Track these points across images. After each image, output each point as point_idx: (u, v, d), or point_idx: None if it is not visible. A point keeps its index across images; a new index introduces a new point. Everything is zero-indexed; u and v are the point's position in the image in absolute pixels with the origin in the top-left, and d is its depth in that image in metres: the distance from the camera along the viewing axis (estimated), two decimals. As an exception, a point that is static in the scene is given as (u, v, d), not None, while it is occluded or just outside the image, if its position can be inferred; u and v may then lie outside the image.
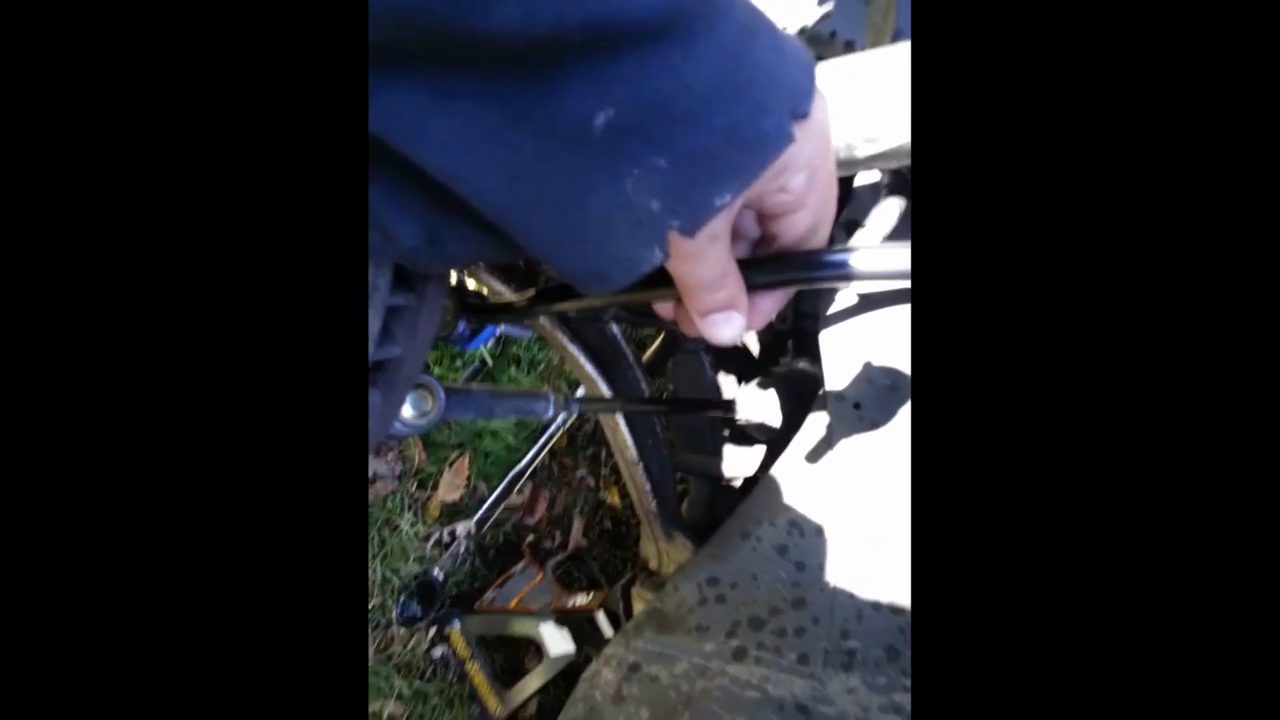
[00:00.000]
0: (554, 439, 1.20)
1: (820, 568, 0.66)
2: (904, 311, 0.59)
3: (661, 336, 0.98)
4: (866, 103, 0.39)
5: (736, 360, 1.05)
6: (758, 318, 0.28)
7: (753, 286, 0.27)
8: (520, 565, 1.07)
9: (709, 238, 0.22)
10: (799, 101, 0.21)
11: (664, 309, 0.30)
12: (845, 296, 0.61)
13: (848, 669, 0.56)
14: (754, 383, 0.93)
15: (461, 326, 0.40)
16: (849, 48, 0.59)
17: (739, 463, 0.96)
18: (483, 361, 1.17)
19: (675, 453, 1.00)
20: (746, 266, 0.27)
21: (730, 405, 0.84)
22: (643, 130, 0.19)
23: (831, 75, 0.41)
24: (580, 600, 0.94)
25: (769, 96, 0.20)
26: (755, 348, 1.06)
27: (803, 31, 0.59)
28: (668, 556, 0.87)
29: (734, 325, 0.27)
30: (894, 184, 0.47)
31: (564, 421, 1.13)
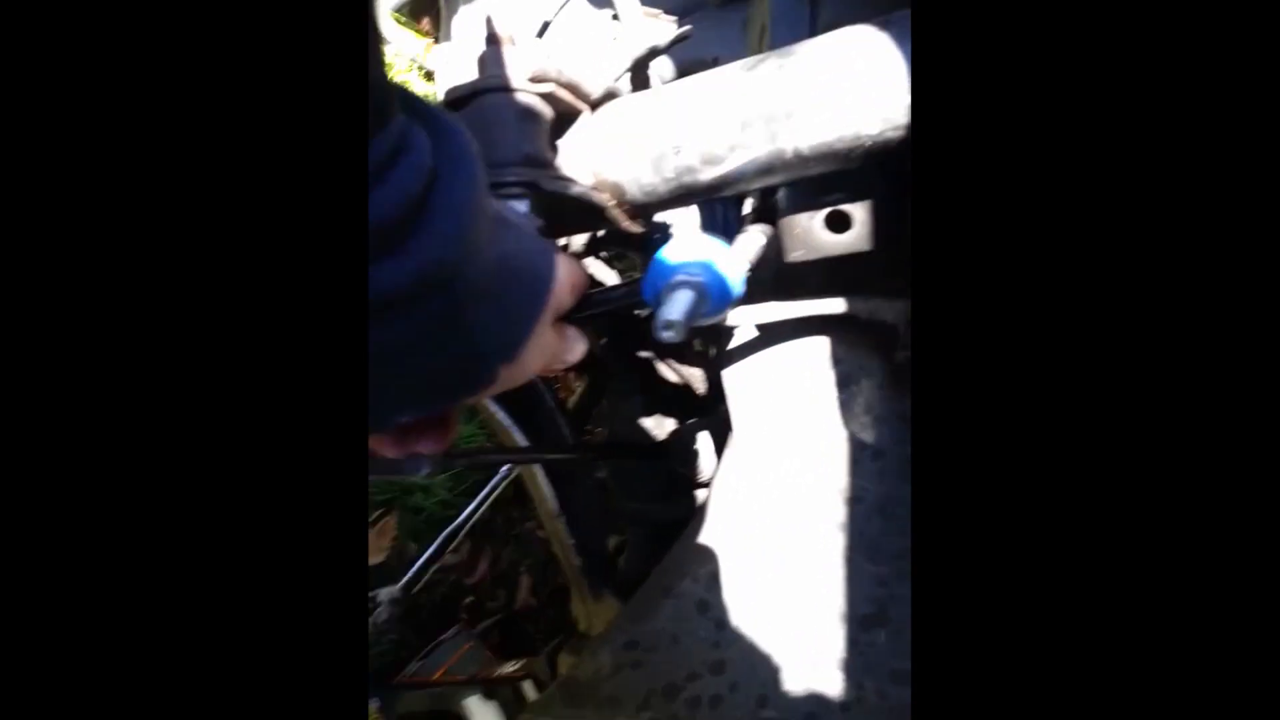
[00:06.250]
0: (496, 491, 1.14)
1: (741, 625, 0.60)
2: (807, 345, 0.55)
3: (587, 381, 0.94)
4: (707, 121, 0.37)
5: (678, 402, 1.00)
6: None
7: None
8: (451, 631, 1.00)
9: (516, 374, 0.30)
10: (506, 352, 0.29)
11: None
12: (745, 331, 0.58)
13: (762, 744, 0.50)
14: (690, 423, 0.89)
15: None
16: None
17: (678, 507, 0.90)
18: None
19: (612, 499, 0.94)
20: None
21: (653, 450, 0.79)
22: (402, 355, 0.25)
23: (665, 98, 0.39)
24: (510, 668, 0.87)
25: (480, 348, 0.27)
26: (701, 386, 1.01)
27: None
28: (596, 618, 0.80)
29: (575, 354, 0.35)
30: (761, 210, 0.44)
31: (500, 479, 1.08)
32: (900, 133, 0.32)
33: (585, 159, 0.41)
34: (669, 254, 0.34)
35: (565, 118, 0.41)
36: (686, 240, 0.35)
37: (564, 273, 0.33)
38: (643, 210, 0.42)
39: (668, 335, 0.28)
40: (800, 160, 0.35)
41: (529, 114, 0.38)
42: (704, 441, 0.88)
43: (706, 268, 0.34)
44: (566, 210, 0.40)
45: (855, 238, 0.39)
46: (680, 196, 0.40)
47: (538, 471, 0.79)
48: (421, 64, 1.64)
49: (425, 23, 1.41)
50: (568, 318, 0.37)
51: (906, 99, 0.32)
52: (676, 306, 0.30)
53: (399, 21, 1.51)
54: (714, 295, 0.33)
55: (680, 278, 0.32)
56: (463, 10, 0.85)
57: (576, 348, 0.36)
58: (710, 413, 0.89)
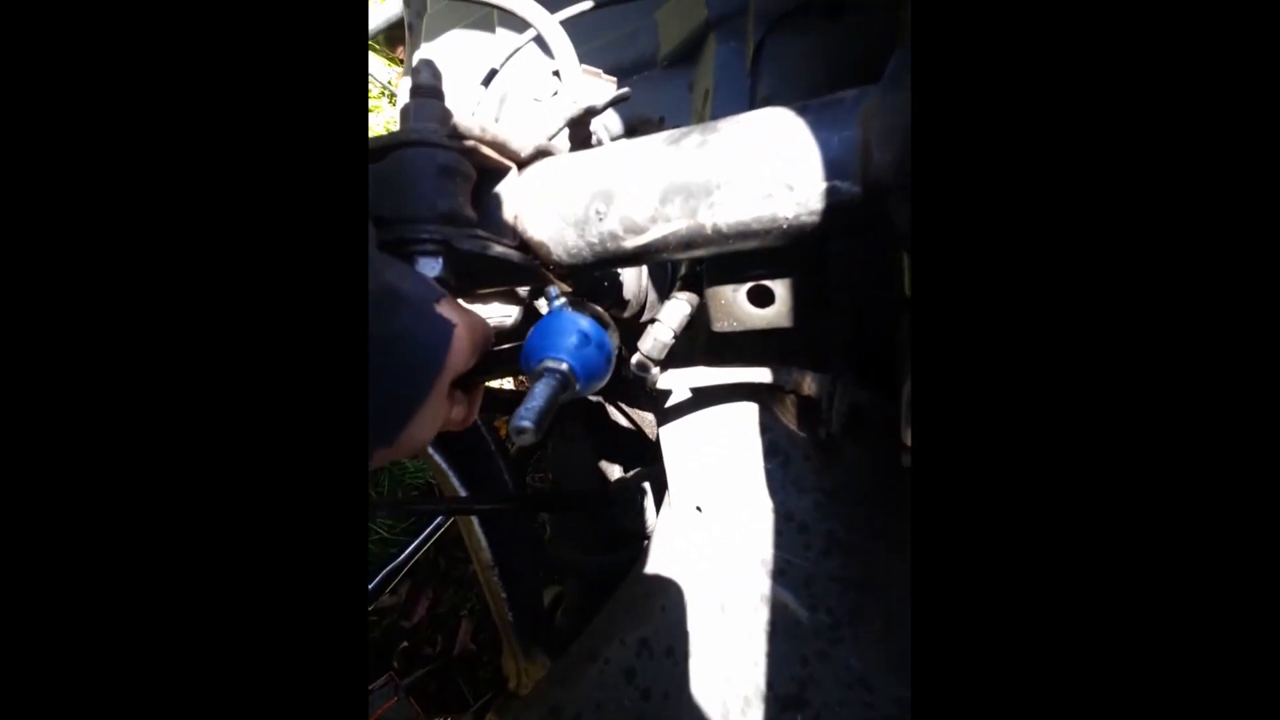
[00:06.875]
0: (440, 531, 1.10)
1: (665, 697, 0.58)
2: (738, 411, 0.54)
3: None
4: (630, 191, 0.36)
5: (628, 447, 0.98)
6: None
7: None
8: (381, 681, 0.95)
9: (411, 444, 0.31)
10: (382, 439, 0.29)
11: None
12: (680, 392, 0.57)
13: (673, 833, 0.47)
14: (635, 472, 0.87)
15: None
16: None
17: (619, 558, 0.87)
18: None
19: (553, 548, 0.92)
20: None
21: (595, 500, 0.77)
22: None
23: (592, 163, 0.38)
24: (435, 726, 0.83)
25: (378, 419, 0.29)
26: (653, 431, 1.00)
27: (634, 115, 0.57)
28: (526, 676, 0.77)
29: (464, 416, 0.36)
30: (689, 277, 0.43)
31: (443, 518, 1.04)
32: (815, 218, 0.32)
33: (510, 218, 0.40)
34: (538, 333, 0.33)
35: (490, 175, 0.40)
36: (558, 314, 0.34)
37: (463, 339, 0.32)
38: (570, 270, 0.41)
39: (522, 440, 0.27)
40: (720, 236, 0.34)
41: (448, 170, 0.36)
42: (648, 492, 0.86)
43: (579, 342, 0.32)
44: (485, 269, 0.39)
45: (776, 313, 0.38)
46: (605, 261, 0.39)
47: (474, 520, 0.76)
48: (393, 91, 1.63)
49: (400, 50, 1.41)
50: (466, 378, 0.36)
51: (822, 184, 0.31)
52: (531, 408, 0.28)
53: (373, 48, 1.51)
54: (581, 376, 0.32)
55: (547, 363, 0.31)
56: (424, 47, 0.84)
57: (457, 412, 0.35)
58: (657, 461, 0.88)
